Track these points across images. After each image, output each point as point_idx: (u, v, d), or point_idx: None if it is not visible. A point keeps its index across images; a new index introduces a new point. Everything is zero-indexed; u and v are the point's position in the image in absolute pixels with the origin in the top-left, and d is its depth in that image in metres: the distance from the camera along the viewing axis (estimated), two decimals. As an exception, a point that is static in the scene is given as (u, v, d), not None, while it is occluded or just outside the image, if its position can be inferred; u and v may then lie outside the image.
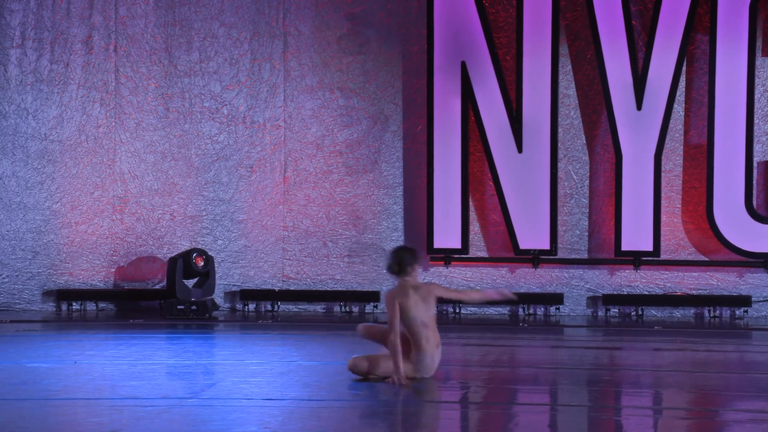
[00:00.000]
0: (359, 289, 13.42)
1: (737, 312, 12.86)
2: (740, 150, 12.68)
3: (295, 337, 11.32)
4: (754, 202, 12.80)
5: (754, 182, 12.82)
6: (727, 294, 12.92)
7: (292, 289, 13.47)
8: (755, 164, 12.83)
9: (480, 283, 13.29)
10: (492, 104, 12.99)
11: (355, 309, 13.36)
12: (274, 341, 11.04)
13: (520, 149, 12.99)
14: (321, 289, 13.45)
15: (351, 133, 13.48)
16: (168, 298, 12.94)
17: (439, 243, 13.16)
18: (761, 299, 12.92)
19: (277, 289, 13.47)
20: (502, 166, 13.00)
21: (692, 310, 12.97)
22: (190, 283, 13.06)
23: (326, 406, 7.64)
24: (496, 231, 13.22)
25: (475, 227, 13.27)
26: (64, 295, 13.43)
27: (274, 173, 13.55)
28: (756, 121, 12.79)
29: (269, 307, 13.44)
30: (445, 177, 13.09)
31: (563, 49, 13.08)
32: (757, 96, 12.79)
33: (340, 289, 13.42)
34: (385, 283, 13.41)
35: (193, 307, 12.78)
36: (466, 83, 13.01)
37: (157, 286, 13.56)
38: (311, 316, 13.16)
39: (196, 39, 13.57)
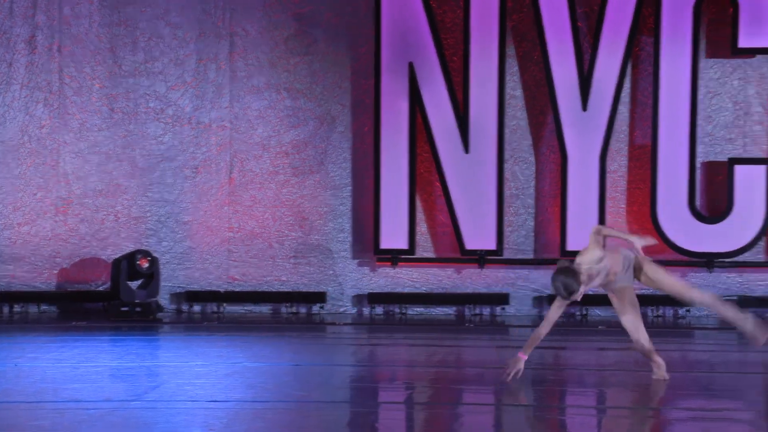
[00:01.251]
0: (305, 290, 13.39)
1: (680, 311, 12.96)
2: (684, 151, 12.79)
3: (241, 338, 11.28)
4: (697, 203, 12.91)
5: (697, 183, 12.93)
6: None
7: (237, 290, 13.41)
8: (698, 165, 12.94)
9: (426, 283, 13.32)
10: (439, 105, 13.01)
11: (302, 310, 13.34)
12: (220, 343, 10.99)
13: (467, 150, 13.02)
14: (267, 290, 13.40)
15: (298, 134, 13.45)
16: (112, 299, 12.85)
17: (386, 244, 13.17)
18: (704, 299, 13.02)
19: (222, 290, 13.42)
20: (449, 167, 13.02)
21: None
22: (135, 284, 12.97)
23: (271, 408, 7.61)
24: (443, 231, 13.25)
25: (422, 228, 13.29)
26: (5, 297, 13.28)
27: (220, 174, 13.49)
28: (699, 122, 12.90)
29: (215, 308, 13.38)
30: (392, 178, 13.10)
31: (510, 51, 13.13)
32: (700, 97, 12.90)
33: (286, 290, 13.39)
34: (331, 284, 13.40)
35: (138, 309, 12.70)
36: (414, 84, 13.02)
37: (101, 288, 13.46)
38: (257, 318, 13.12)
39: (141, 39, 13.48)
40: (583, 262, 8.19)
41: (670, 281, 8.33)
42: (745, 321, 8.12)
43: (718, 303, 8.16)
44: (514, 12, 13.12)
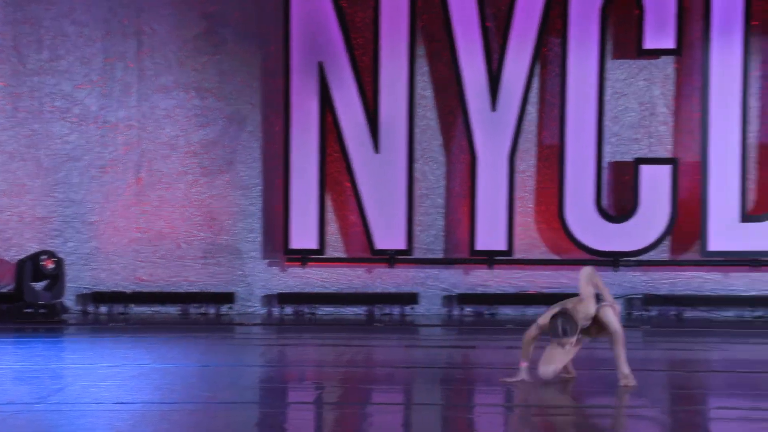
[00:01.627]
0: (214, 290, 13.30)
1: (588, 310, 13.08)
2: (591, 151, 12.94)
3: (148, 339, 11.18)
4: (604, 202, 13.07)
5: (604, 182, 13.08)
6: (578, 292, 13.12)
7: (145, 291, 13.29)
8: (605, 165, 13.10)
9: (336, 283, 13.31)
10: (349, 105, 13.02)
11: (211, 311, 13.25)
12: (126, 344, 10.88)
13: (377, 150, 13.05)
14: (175, 291, 13.30)
15: (206, 134, 13.37)
16: (16, 301, 12.66)
17: (296, 244, 13.14)
18: (609, 297, 13.17)
19: (129, 291, 13.28)
20: (359, 167, 13.04)
21: (544, 309, 13.12)
22: (40, 285, 12.79)
23: (178, 409, 7.55)
24: (353, 231, 13.25)
25: (332, 228, 13.28)
26: None
27: (127, 174, 13.35)
28: (606, 122, 13.05)
29: (121, 309, 13.24)
30: (302, 177, 13.08)
31: (420, 50, 13.18)
32: (607, 98, 13.05)
33: (194, 291, 13.30)
34: (239, 284, 13.33)
35: (42, 311, 12.53)
36: (324, 84, 13.01)
37: (5, 290, 13.24)
38: (165, 319, 13.01)
39: (47, 37, 13.30)
40: (579, 313, 8.35)
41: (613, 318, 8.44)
42: (625, 366, 8.35)
43: (622, 345, 8.36)
44: (424, 12, 13.16)
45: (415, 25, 13.04)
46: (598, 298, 8.50)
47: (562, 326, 8.27)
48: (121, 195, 13.35)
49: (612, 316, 8.39)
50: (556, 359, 8.37)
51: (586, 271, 8.53)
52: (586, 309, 8.35)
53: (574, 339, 8.31)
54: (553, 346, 8.38)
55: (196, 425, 7.14)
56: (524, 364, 8.49)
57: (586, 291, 8.40)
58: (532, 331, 8.51)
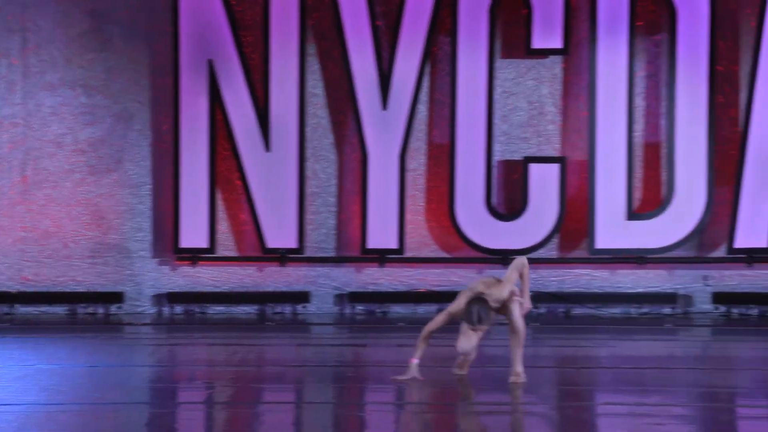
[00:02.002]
0: (103, 290, 13.15)
1: (479, 307, 13.20)
2: (480, 149, 13.06)
3: (34, 340, 11.03)
4: (494, 201, 13.20)
5: (494, 181, 13.21)
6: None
7: (31, 291, 13.09)
8: (495, 163, 13.23)
9: (227, 282, 13.23)
10: (239, 103, 12.97)
11: (100, 311, 13.10)
12: (11, 345, 10.72)
13: (267, 148, 13.02)
14: (62, 291, 13.11)
15: (94, 132, 13.21)
16: None
17: (186, 242, 13.05)
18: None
19: (14, 291, 13.07)
20: (249, 165, 12.99)
21: (435, 307, 13.23)
22: None
23: (65, 411, 7.45)
24: (244, 230, 13.20)
25: (223, 226, 13.21)
26: None
27: (12, 172, 13.13)
28: (495, 121, 13.18)
29: (6, 310, 13.04)
30: (192, 176, 12.99)
31: (311, 49, 13.17)
32: (496, 97, 13.18)
33: (82, 290, 13.13)
34: (128, 284, 13.19)
35: (-76, 312, 12.28)
36: (214, 82, 12.95)
37: None
38: (52, 319, 12.84)
39: (-74, 33, 13.05)
40: (492, 296, 8.38)
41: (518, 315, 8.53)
42: (520, 365, 8.49)
43: (521, 344, 8.48)
44: (314, 10, 13.16)
45: (305, 24, 13.03)
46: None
47: (478, 314, 8.30)
48: (6, 194, 13.13)
49: (518, 313, 8.48)
50: (472, 337, 8.41)
51: (520, 260, 8.62)
52: (500, 292, 8.41)
53: (488, 326, 8.35)
54: (466, 327, 8.42)
55: (84, 426, 7.05)
56: (414, 361, 8.53)
57: (511, 276, 8.49)
58: (439, 319, 8.51)
